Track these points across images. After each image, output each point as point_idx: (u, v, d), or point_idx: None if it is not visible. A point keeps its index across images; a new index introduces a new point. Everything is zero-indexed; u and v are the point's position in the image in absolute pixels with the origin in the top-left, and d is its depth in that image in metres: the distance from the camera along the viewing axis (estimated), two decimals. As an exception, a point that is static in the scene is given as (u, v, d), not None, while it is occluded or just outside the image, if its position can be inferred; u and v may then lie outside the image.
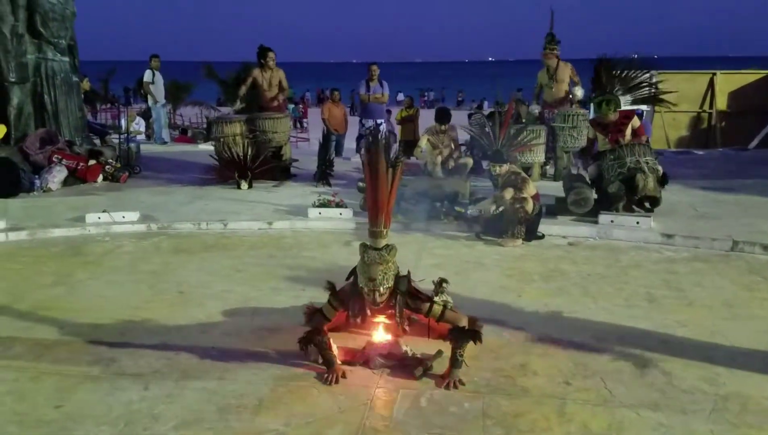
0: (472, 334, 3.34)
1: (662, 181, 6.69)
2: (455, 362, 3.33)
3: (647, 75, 8.68)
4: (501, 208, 6.11)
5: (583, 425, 2.95)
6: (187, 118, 24.90)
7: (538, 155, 9.07)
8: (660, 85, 8.00)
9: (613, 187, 6.65)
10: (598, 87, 7.32)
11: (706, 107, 14.02)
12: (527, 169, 8.86)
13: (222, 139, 9.01)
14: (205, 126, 19.87)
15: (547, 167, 9.64)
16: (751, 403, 3.14)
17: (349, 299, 3.47)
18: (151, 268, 5.44)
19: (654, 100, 7.76)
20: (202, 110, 23.93)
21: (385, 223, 3.33)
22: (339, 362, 3.45)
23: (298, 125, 25.70)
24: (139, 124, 16.00)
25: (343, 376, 3.39)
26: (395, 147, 11.10)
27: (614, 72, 7.30)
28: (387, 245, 3.34)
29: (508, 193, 6.05)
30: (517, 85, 23.38)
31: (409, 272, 3.55)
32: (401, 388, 3.31)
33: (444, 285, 3.59)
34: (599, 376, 3.43)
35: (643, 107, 10.93)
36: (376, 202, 3.31)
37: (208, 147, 11.86)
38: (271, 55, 9.60)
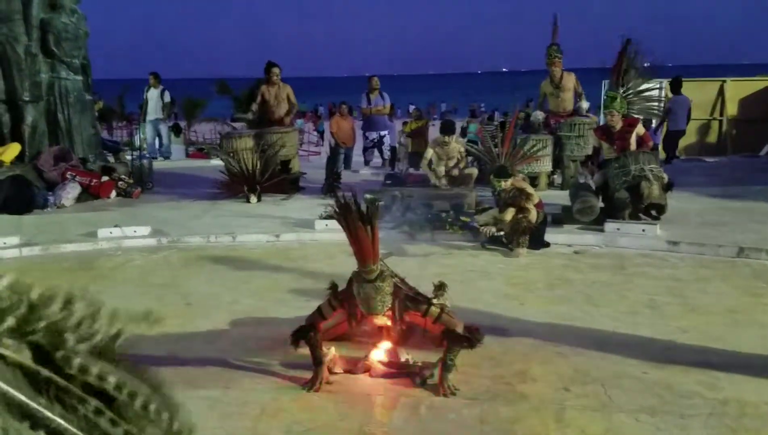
0: (467, 339, 3.38)
1: (667, 187, 6.68)
2: (446, 366, 3.37)
3: (657, 87, 8.71)
4: (502, 233, 6.16)
5: (581, 430, 2.97)
6: (201, 134, 25.15)
7: (545, 165, 9.11)
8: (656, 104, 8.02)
9: (618, 195, 6.66)
10: (616, 75, 7.32)
11: (716, 115, 13.97)
12: (534, 178, 8.89)
13: (232, 154, 9.13)
14: (218, 142, 20.09)
15: (555, 176, 9.66)
16: (750, 407, 3.15)
17: (349, 301, 3.53)
18: (159, 281, 5.53)
19: (648, 111, 7.76)
20: (216, 126, 24.15)
21: (374, 262, 3.31)
22: (327, 364, 3.50)
23: (319, 139, 25.99)
24: (152, 141, 16.19)
25: (328, 382, 3.45)
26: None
27: (633, 66, 7.32)
28: (380, 273, 3.34)
29: (509, 215, 6.06)
30: (528, 95, 23.39)
31: (404, 278, 3.61)
32: (401, 396, 3.35)
33: (443, 288, 3.63)
34: (599, 382, 3.45)
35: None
36: (361, 253, 3.30)
37: (219, 162, 12.01)
38: (275, 70, 9.71)
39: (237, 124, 12.67)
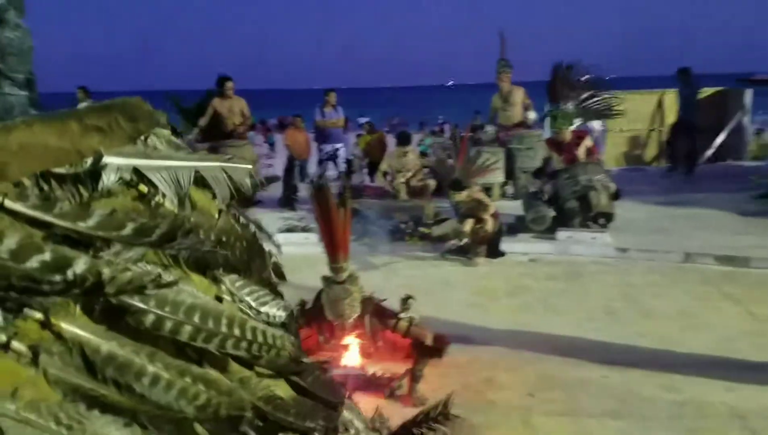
0: (436, 350, 3.44)
1: (614, 196, 6.93)
2: (414, 377, 3.42)
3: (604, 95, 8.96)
4: (464, 241, 6.28)
5: (549, 435, 3.06)
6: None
7: (498, 176, 9.30)
8: (612, 103, 8.28)
9: (568, 204, 6.87)
10: (553, 96, 7.53)
11: (657, 125, 14.48)
12: (487, 189, 9.06)
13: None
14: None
15: (507, 187, 9.87)
16: (708, 408, 3.29)
17: (317, 320, 3.53)
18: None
19: (604, 114, 8.00)
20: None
21: (344, 257, 3.37)
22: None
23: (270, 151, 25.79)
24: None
25: None
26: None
27: (569, 81, 7.51)
28: (350, 275, 3.39)
29: (468, 225, 6.20)
30: (475, 108, 23.75)
31: (372, 293, 3.64)
32: (370, 408, 3.37)
33: (409, 301, 3.68)
34: (563, 387, 3.55)
35: (596, 124, 11.23)
36: (332, 241, 3.33)
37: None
38: (228, 84, 9.60)
39: (189, 137, 12.48)
